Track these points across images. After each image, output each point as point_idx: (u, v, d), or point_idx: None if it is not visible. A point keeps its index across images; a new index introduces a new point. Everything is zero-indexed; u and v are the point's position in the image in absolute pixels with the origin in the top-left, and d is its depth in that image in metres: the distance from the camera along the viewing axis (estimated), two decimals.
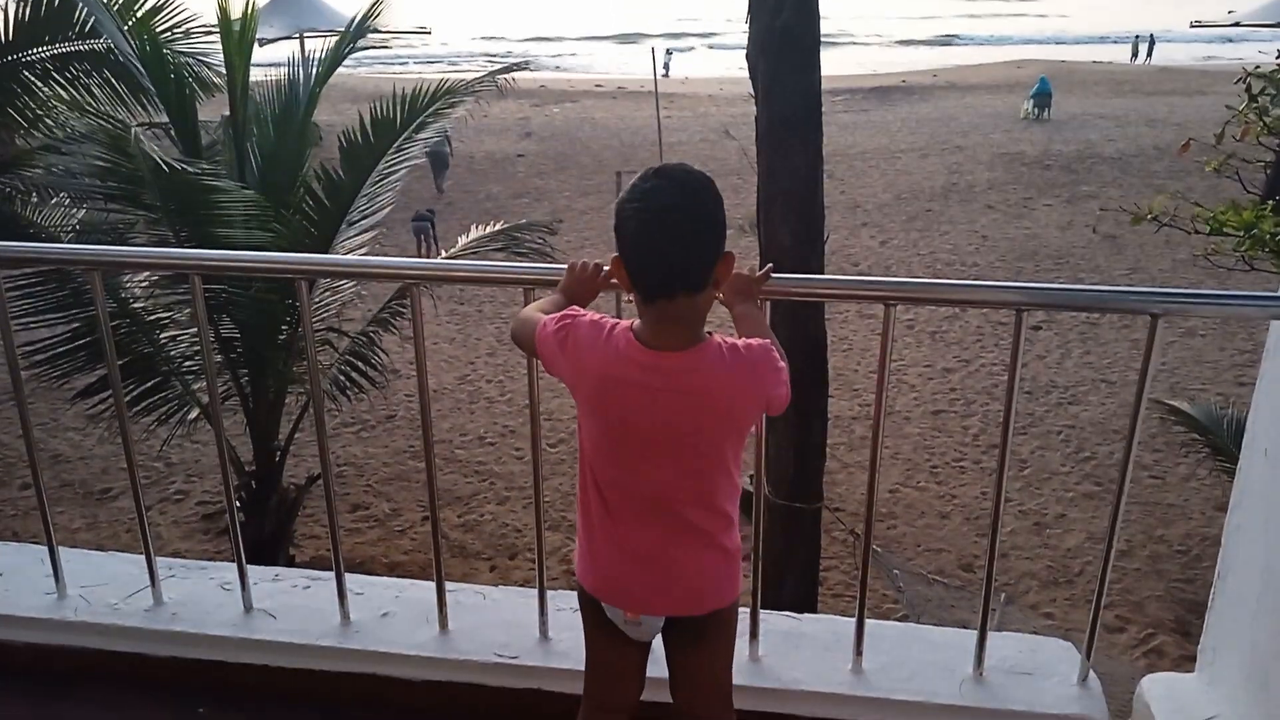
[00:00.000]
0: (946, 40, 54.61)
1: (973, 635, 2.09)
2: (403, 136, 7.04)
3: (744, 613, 2.18)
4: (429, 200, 18.52)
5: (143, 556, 2.35)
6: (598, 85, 38.17)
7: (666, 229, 1.51)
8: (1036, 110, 26.82)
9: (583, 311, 1.66)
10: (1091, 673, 2.05)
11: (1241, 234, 7.65)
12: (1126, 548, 7.81)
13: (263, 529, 7.17)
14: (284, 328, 6.75)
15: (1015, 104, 28.18)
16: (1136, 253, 15.17)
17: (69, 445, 9.73)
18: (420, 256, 15.94)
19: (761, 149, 5.73)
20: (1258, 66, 8.24)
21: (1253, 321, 10.97)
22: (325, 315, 7.23)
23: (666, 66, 40.57)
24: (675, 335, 1.55)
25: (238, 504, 7.94)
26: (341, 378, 7.21)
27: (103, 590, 2.34)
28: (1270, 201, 8.28)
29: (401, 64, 46.41)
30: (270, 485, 7.27)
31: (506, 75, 7.84)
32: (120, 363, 6.51)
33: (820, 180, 5.74)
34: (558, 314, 1.65)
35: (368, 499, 9.16)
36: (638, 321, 1.59)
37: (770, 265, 1.80)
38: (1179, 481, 8.80)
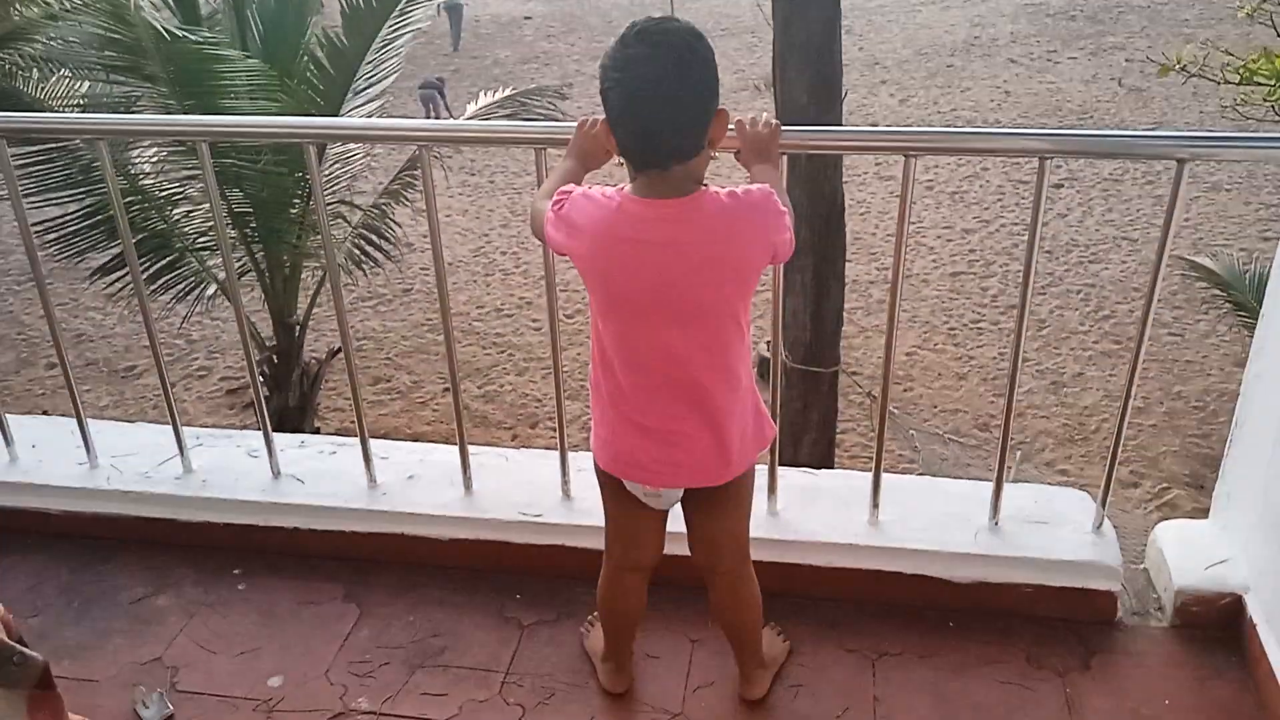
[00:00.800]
0: None
1: (989, 487, 2.11)
2: None
3: (762, 469, 2.21)
4: (441, 65, 18.10)
5: (169, 426, 2.39)
6: None
7: (653, 104, 1.43)
8: None
9: (578, 187, 1.60)
10: (1106, 520, 2.08)
11: (1273, 83, 7.42)
12: (1143, 404, 7.84)
13: (286, 402, 7.27)
14: (295, 200, 6.70)
15: None
16: (1163, 105, 14.74)
17: (90, 324, 9.82)
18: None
19: (777, 2, 5.53)
20: None
21: None
22: (336, 187, 7.16)
23: None
24: (669, 191, 1.49)
25: (260, 379, 8.10)
26: (356, 251, 7.19)
27: (133, 459, 2.39)
28: None
29: None
30: (291, 359, 7.34)
31: None
32: (134, 240, 6.50)
33: (838, 34, 5.55)
34: (556, 195, 1.60)
35: (388, 371, 9.26)
36: (630, 185, 1.53)
37: (778, 121, 1.72)
38: (1198, 338, 8.76)
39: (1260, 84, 7.56)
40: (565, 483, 2.24)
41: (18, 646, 0.91)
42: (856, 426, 8.01)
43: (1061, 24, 20.08)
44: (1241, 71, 7.55)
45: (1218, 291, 7.08)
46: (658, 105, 1.43)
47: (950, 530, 2.07)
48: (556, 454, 2.24)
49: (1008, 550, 2.03)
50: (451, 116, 15.78)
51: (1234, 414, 2.11)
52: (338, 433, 7.96)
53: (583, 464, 2.29)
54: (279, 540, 2.26)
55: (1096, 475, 7.13)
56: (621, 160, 1.55)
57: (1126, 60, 16.00)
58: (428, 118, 15.82)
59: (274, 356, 7.34)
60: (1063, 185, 11.82)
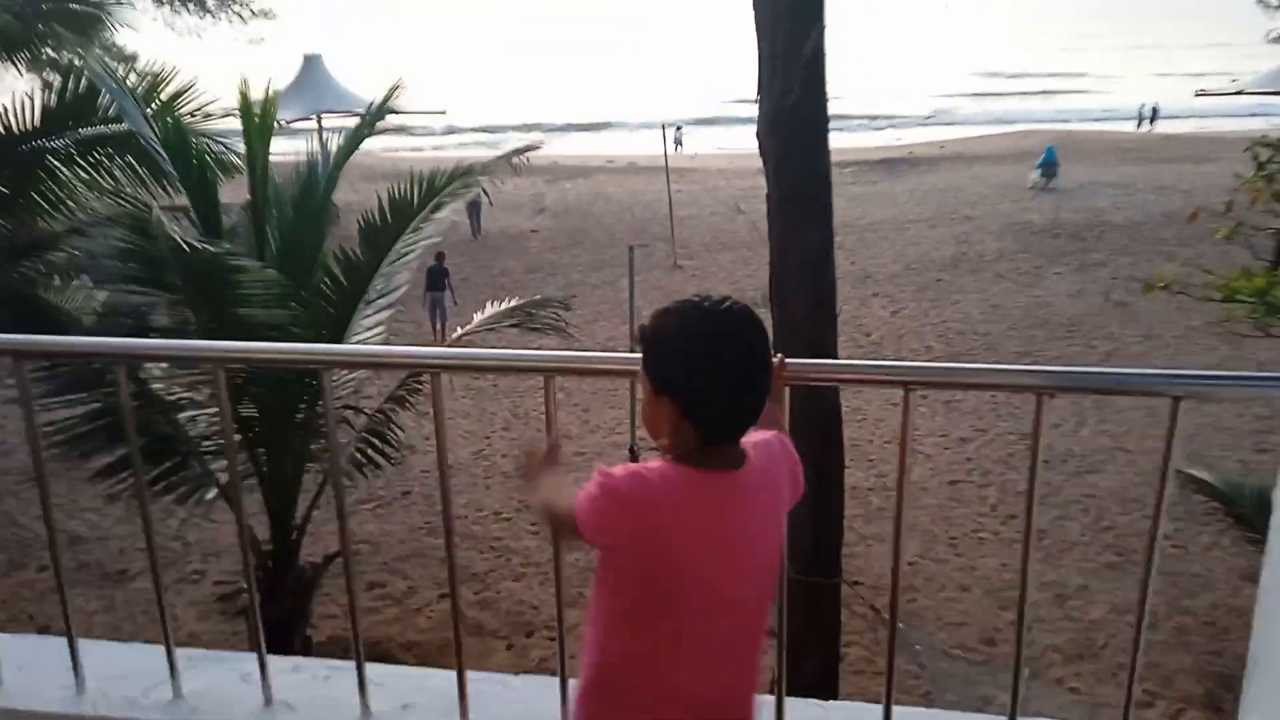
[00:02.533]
0: (949, 120, 55.30)
1: None
2: (419, 216, 7.15)
3: (768, 699, 2.15)
4: (458, 265, 18.65)
5: (161, 647, 2.34)
6: (609, 161, 38.76)
7: (752, 375, 1.47)
8: (1044, 179, 27.07)
9: (610, 469, 1.51)
10: None
11: (1254, 300, 7.66)
12: (1152, 620, 7.63)
13: (279, 609, 7.12)
14: (301, 406, 6.79)
15: (1022, 174, 28.46)
16: (1150, 319, 15.17)
17: (86, 526, 9.73)
18: (434, 326, 16.07)
19: (773, 225, 5.80)
20: (1265, 135, 8.34)
21: (1277, 402, 10.94)
22: (343, 394, 7.27)
23: (678, 141, 41.21)
24: (736, 456, 1.51)
25: (254, 584, 7.96)
26: (359, 455, 7.22)
27: (122, 684, 2.33)
28: None
29: (423, 134, 47.12)
30: (287, 565, 7.25)
31: (520, 155, 7.99)
32: (139, 443, 6.57)
33: (831, 254, 5.80)
34: (593, 480, 1.49)
35: (384, 576, 9.11)
36: (668, 459, 1.51)
37: (782, 355, 1.77)
38: (1202, 551, 8.68)
39: (1241, 301, 7.80)
40: (565, 713, 2.17)
41: None
42: (860, 639, 7.82)
43: (1045, 241, 20.92)
44: (1223, 290, 7.82)
45: (1217, 505, 7.07)
46: (755, 375, 1.48)
47: None
48: (556, 679, 2.19)
49: None
50: (454, 299, 16.35)
51: (1250, 644, 2.07)
52: (329, 640, 7.75)
53: None
54: None
55: (1108, 693, 6.90)
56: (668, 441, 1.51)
57: (1112, 278, 16.59)
58: (434, 320, 16.24)
59: (269, 561, 7.25)
60: (1054, 395, 11.98)
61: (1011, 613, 8.08)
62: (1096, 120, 48.59)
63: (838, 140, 5.99)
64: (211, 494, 6.92)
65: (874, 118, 55.13)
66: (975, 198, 26.28)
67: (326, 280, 6.86)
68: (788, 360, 1.81)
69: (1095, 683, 7.11)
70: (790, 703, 2.13)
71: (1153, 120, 45.38)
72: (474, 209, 22.86)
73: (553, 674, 2.21)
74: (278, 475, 7.03)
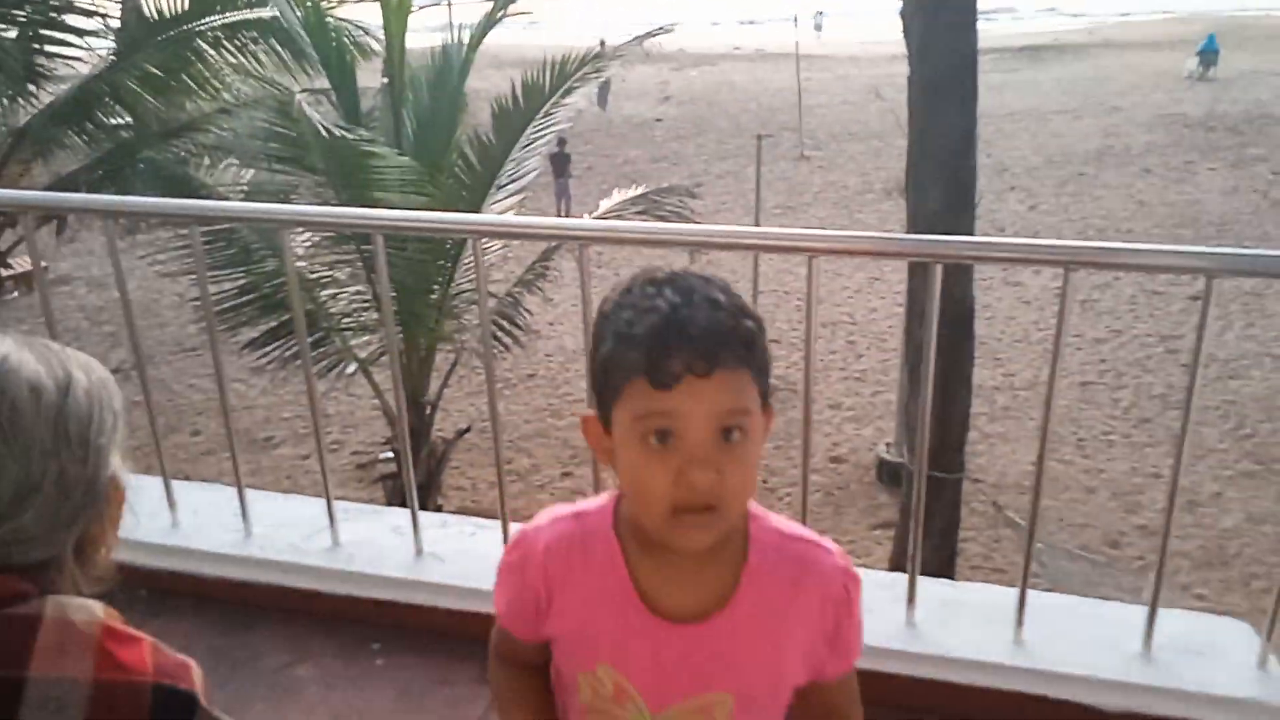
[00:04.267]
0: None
1: (1140, 610, 2.03)
2: (551, 101, 7.14)
3: (901, 577, 2.18)
4: (582, 137, 18.73)
5: (321, 500, 2.49)
6: (736, 48, 37.76)
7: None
8: (1202, 68, 25.30)
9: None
10: (1272, 657, 1.97)
11: None
12: None
13: (415, 478, 7.46)
14: (435, 286, 6.98)
15: (1178, 62, 26.62)
16: None
17: (234, 395, 10.28)
18: (560, 212, 16.23)
19: (913, 110, 5.60)
20: None
21: None
22: (473, 276, 7.42)
23: (818, 27, 39.83)
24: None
25: (391, 454, 8.34)
26: (489, 337, 7.40)
27: (285, 530, 2.50)
28: None
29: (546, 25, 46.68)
30: (421, 438, 7.55)
31: (649, 38, 7.86)
32: (283, 319, 6.88)
33: (974, 142, 5.58)
34: None
35: (509, 454, 9.43)
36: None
37: None
38: None
39: None
40: None
41: (218, 715, 0.97)
42: (979, 536, 7.77)
43: (1199, 134, 19.65)
44: None
45: None
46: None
47: (1100, 655, 1.99)
48: None
49: (1163, 681, 1.94)
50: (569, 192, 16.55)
51: None
52: (459, 510, 8.11)
53: None
54: (418, 618, 2.32)
55: (1236, 602, 6.72)
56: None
57: (1272, 174, 15.52)
58: (559, 206, 16.39)
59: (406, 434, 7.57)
60: (1198, 298, 11.43)
61: (1138, 517, 7.91)
62: (1263, 7, 44.81)
63: (980, 26, 5.68)
64: (352, 368, 7.23)
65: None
66: (1125, 87, 24.76)
67: (460, 164, 6.96)
68: (936, 237, 1.77)
69: (1223, 590, 6.93)
70: (923, 580, 2.16)
71: None
72: (603, 91, 23.19)
73: None
74: (413, 352, 7.28)
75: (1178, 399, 9.36)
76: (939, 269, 1.85)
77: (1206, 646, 2.02)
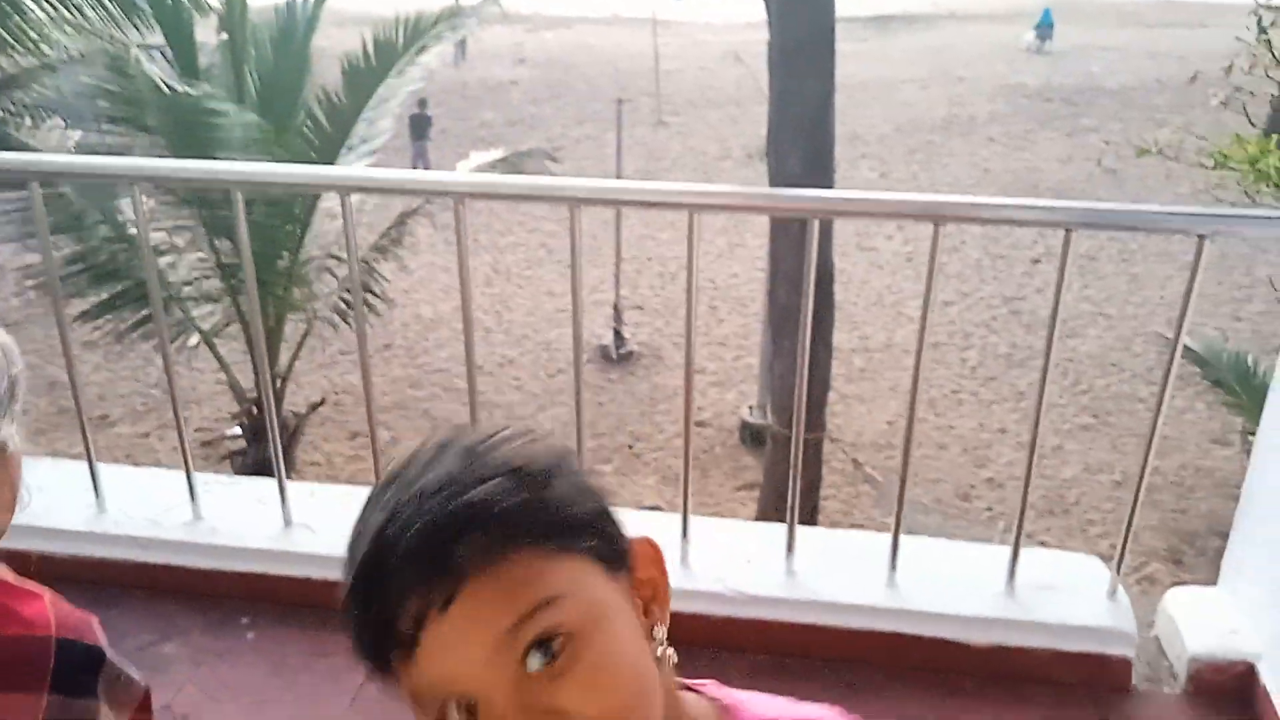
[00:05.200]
0: None
1: (1003, 551, 2.13)
2: (404, 59, 6.94)
3: (780, 528, 2.22)
4: (438, 100, 18.30)
5: (179, 472, 2.37)
6: (589, 12, 37.50)
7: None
8: (1039, 41, 26.51)
9: None
10: (1120, 588, 2.10)
11: (1245, 168, 7.63)
12: (1122, 479, 7.93)
13: (265, 454, 7.21)
14: (284, 253, 6.72)
15: (1017, 34, 27.84)
16: (1138, 187, 15.15)
17: (63, 372, 9.70)
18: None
19: (773, 75, 5.67)
20: None
21: None
22: (324, 242, 7.19)
23: None
24: None
25: (238, 430, 8.02)
26: (341, 303, 7.19)
27: (142, 505, 2.36)
28: (1275, 135, 8.25)
29: None
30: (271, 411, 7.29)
31: None
32: (116, 289, 6.50)
33: (832, 108, 5.69)
34: None
35: (366, 427, 9.20)
36: None
37: None
38: (1176, 415, 8.88)
39: (1233, 169, 7.77)
40: None
41: (125, 669, 0.92)
42: (837, 493, 8.03)
43: (1038, 105, 20.64)
44: (1215, 156, 7.78)
45: (1196, 369, 7.21)
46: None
47: (968, 594, 2.08)
48: None
49: (1025, 615, 2.04)
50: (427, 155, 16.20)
51: (1243, 484, 2.15)
52: None
53: None
54: (289, 590, 2.23)
55: (1076, 546, 7.17)
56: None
57: (1105, 142, 16.45)
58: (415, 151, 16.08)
59: (254, 408, 7.30)
60: (1040, 261, 12.05)
61: (986, 470, 8.32)
62: None
63: None
64: (194, 340, 6.91)
65: None
66: (969, 58, 25.76)
67: (308, 124, 6.70)
68: (807, 191, 1.79)
69: (1065, 536, 7.37)
70: (801, 529, 2.20)
71: None
72: (460, 49, 22.90)
73: None
74: (262, 322, 7.00)
75: (1021, 357, 9.88)
76: (815, 224, 1.87)
77: (1063, 581, 2.13)
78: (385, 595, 0.64)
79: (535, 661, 0.61)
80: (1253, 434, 2.31)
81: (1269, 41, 8.09)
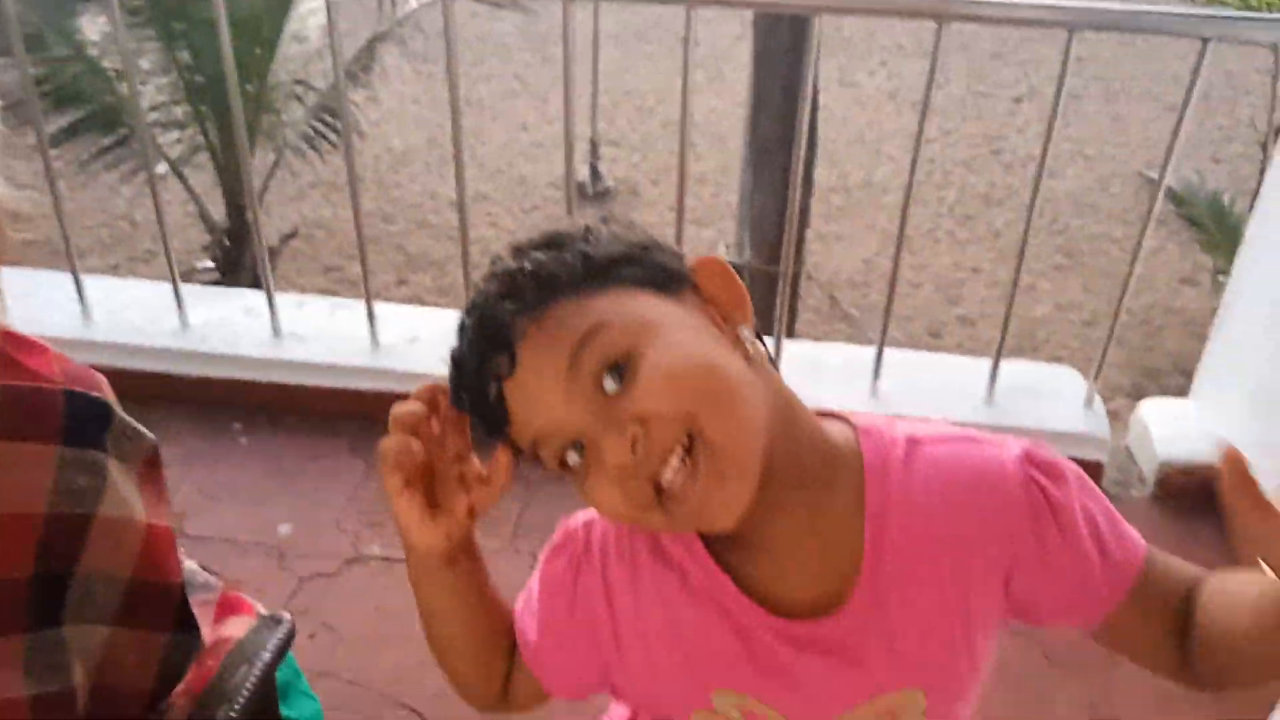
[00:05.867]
0: None
1: (985, 361, 2.17)
2: None
3: (768, 340, 2.25)
4: None
5: (164, 284, 2.35)
6: None
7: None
8: None
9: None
10: (1096, 396, 2.16)
11: None
12: (1091, 317, 8.04)
13: (239, 285, 7.16)
14: (253, 78, 6.49)
15: None
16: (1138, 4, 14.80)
17: (29, 203, 9.47)
18: None
19: None
20: None
21: None
22: (291, 68, 6.94)
23: None
24: None
25: (211, 264, 7.92)
26: (311, 131, 7.01)
27: (128, 314, 2.35)
28: None
29: None
30: (244, 243, 7.20)
31: None
32: (80, 114, 6.28)
33: None
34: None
35: (339, 261, 9.12)
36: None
37: None
38: (1148, 255, 8.90)
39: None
40: None
41: (132, 423, 0.93)
42: (813, 330, 8.11)
43: None
44: None
45: (1174, 208, 7.24)
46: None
47: (949, 401, 2.14)
48: None
49: (1003, 420, 2.10)
50: None
51: (1222, 299, 2.19)
52: None
53: None
54: (280, 397, 2.26)
55: None
56: None
57: None
58: None
59: (226, 239, 7.20)
60: (1022, 100, 11.87)
61: (959, 308, 8.41)
62: None
63: None
64: (162, 169, 6.74)
65: None
66: None
67: None
68: None
69: None
70: (788, 343, 2.23)
71: None
72: None
73: None
74: (229, 152, 6.83)
75: (999, 197, 9.85)
76: (816, 22, 1.82)
77: (1042, 390, 2.19)
78: (470, 383, 0.75)
79: (610, 385, 0.69)
80: (1223, 274, 2.36)
81: None
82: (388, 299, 8.52)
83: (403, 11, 7.40)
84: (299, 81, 7.05)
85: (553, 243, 0.75)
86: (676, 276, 0.75)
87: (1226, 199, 6.80)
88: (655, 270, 0.74)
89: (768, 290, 6.44)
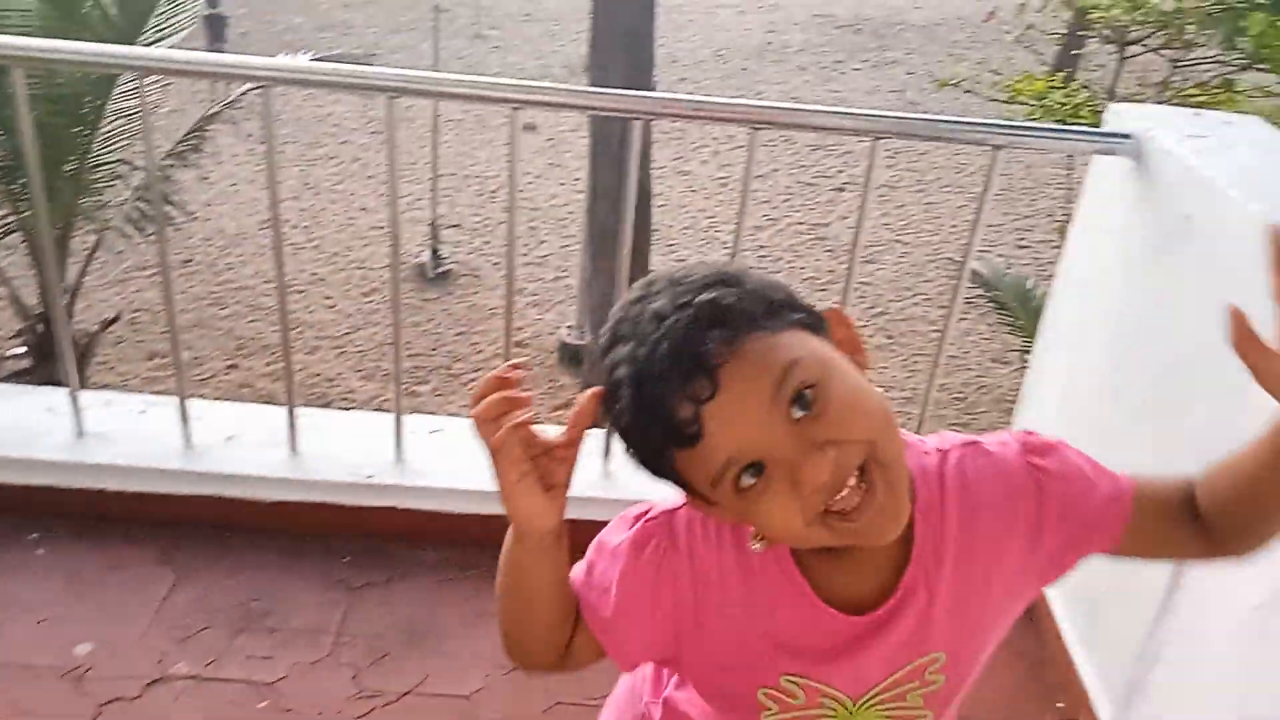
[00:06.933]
0: None
1: None
2: None
3: (598, 434, 2.26)
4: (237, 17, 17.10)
5: None
6: None
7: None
8: None
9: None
10: None
11: (1034, 103, 8.16)
12: (912, 394, 8.45)
13: (51, 374, 6.73)
14: (71, 157, 6.21)
15: None
16: None
17: None
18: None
19: None
20: None
21: (1080, 155, 11.85)
22: (114, 146, 6.68)
23: None
24: None
25: (22, 349, 7.43)
26: (137, 212, 6.73)
27: None
28: (1060, 73, 8.85)
29: None
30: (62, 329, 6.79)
31: None
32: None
33: (653, 22, 5.69)
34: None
35: (164, 347, 8.71)
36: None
37: None
38: (960, 335, 9.50)
39: (1023, 104, 8.30)
40: (399, 444, 2.21)
41: None
42: None
43: (848, 36, 21.22)
44: (1008, 90, 8.30)
45: (983, 293, 7.72)
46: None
47: None
48: (390, 415, 2.20)
49: None
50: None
51: (1024, 380, 2.34)
52: None
53: (415, 426, 2.26)
54: (82, 503, 2.12)
55: None
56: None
57: (907, 73, 17.12)
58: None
59: (39, 324, 6.78)
60: (844, 189, 12.52)
61: None
62: None
63: None
64: None
65: None
66: None
67: (99, 11, 6.18)
68: (633, 93, 1.80)
69: None
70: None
71: None
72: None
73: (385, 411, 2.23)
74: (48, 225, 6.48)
75: (824, 281, 10.29)
76: (638, 126, 1.88)
77: None
78: (658, 406, 0.77)
79: (798, 413, 0.77)
80: (1028, 353, 2.55)
81: None
82: (218, 384, 8.25)
83: (235, 92, 7.26)
84: (122, 161, 6.78)
85: (726, 280, 0.81)
86: (820, 322, 0.85)
87: (1030, 284, 7.29)
88: (811, 315, 0.85)
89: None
